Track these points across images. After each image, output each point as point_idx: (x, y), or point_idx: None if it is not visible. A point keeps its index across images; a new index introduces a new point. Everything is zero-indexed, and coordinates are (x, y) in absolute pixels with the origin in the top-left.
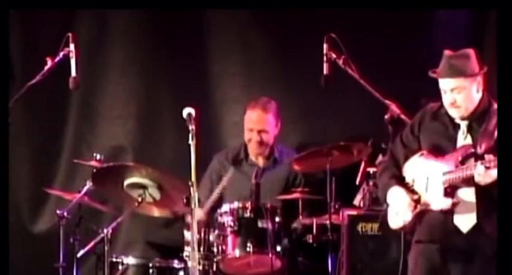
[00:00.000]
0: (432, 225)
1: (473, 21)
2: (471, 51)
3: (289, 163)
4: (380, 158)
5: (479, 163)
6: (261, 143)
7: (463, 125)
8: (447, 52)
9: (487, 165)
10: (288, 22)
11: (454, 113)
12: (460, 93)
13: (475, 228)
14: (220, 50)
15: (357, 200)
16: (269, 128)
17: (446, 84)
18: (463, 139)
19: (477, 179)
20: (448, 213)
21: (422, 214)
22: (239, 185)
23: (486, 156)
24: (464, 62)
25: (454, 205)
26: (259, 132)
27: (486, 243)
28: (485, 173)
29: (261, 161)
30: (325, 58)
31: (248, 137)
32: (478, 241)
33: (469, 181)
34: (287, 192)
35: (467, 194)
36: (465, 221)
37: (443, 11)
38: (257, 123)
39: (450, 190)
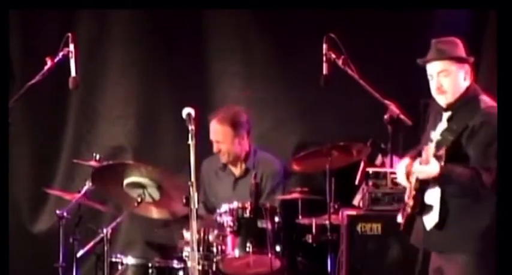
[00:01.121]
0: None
1: (473, 21)
2: (458, 40)
3: (263, 173)
4: (379, 158)
5: (417, 159)
6: (220, 152)
7: (445, 117)
8: (434, 39)
9: (420, 160)
10: (288, 22)
11: (441, 100)
12: (446, 77)
13: (435, 226)
14: (220, 50)
15: (356, 200)
16: (225, 139)
17: (433, 68)
18: (440, 129)
19: (418, 175)
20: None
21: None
22: (218, 193)
23: (423, 151)
24: (451, 47)
25: (408, 205)
26: (217, 142)
27: (446, 241)
28: (420, 169)
29: (237, 171)
30: (324, 58)
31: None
32: (439, 239)
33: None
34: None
35: (432, 194)
36: (428, 220)
37: (443, 11)
38: (213, 134)
39: (416, 192)
